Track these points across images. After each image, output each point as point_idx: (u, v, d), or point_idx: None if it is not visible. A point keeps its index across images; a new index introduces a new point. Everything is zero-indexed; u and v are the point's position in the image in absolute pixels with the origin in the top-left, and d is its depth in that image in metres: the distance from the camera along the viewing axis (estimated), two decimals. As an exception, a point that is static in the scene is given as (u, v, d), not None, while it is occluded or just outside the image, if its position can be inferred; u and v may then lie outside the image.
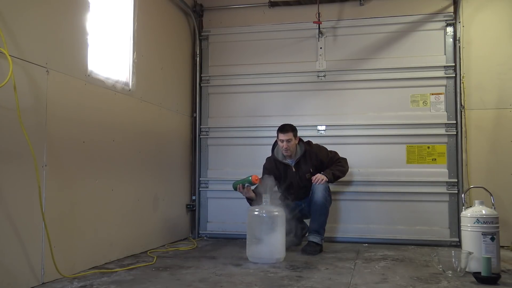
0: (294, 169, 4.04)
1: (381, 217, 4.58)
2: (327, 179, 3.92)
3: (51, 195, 2.76)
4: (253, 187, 3.88)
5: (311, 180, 3.95)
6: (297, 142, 4.03)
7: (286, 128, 3.95)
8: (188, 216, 4.94)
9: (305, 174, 4.01)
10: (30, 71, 2.65)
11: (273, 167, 4.06)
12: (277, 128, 4.03)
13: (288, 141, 3.93)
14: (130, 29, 3.81)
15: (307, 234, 4.04)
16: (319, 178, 3.90)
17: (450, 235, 4.43)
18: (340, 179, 4.15)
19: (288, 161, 4.06)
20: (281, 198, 4.22)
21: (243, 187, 3.83)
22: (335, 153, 4.17)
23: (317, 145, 4.17)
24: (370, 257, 3.70)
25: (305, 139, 4.16)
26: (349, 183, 4.61)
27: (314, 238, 3.86)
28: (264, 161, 4.17)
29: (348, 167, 4.16)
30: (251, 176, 3.79)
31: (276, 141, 4.12)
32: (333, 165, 4.07)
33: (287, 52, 4.90)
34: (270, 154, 4.18)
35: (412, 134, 4.59)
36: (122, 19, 3.74)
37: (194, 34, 5.08)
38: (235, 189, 3.89)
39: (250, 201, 3.90)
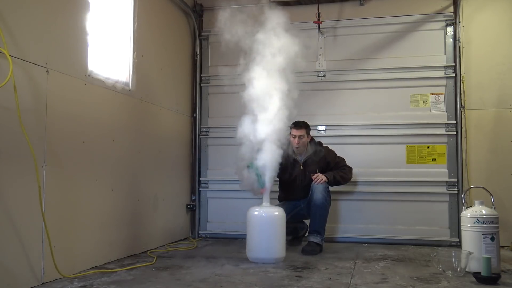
0: (301, 166, 4.06)
1: (381, 217, 4.58)
2: (327, 180, 3.93)
3: (51, 195, 2.76)
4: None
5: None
6: (309, 140, 4.10)
7: (300, 124, 4.02)
8: (188, 216, 4.94)
9: (310, 173, 4.02)
10: (30, 71, 2.65)
11: (285, 157, 3.97)
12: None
13: (300, 137, 3.99)
14: (130, 29, 3.81)
15: (307, 234, 4.05)
16: (319, 178, 3.91)
17: (450, 235, 4.44)
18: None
19: (297, 157, 4.08)
20: (280, 196, 4.22)
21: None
22: (343, 159, 4.19)
23: (326, 147, 4.20)
24: (370, 257, 3.70)
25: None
26: (349, 183, 4.57)
27: (314, 238, 3.86)
28: None
29: (351, 177, 4.17)
30: (262, 188, 3.60)
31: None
32: (337, 169, 4.09)
33: (287, 52, 4.90)
34: None
35: (412, 134, 4.59)
36: (122, 19, 3.74)
37: (194, 34, 5.07)
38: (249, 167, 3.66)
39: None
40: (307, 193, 4.02)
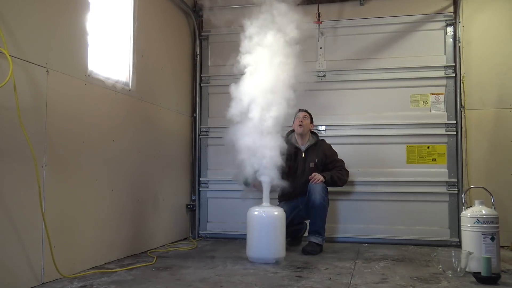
0: (303, 155, 4.10)
1: (381, 217, 4.58)
2: (323, 180, 3.94)
3: (51, 195, 2.76)
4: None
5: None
6: (311, 127, 4.21)
7: (305, 110, 4.20)
8: (188, 216, 4.94)
9: (310, 163, 4.07)
10: (30, 71, 2.65)
11: (287, 146, 3.98)
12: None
13: (304, 117, 4.12)
14: (130, 29, 3.81)
15: (306, 234, 4.05)
16: (316, 178, 3.92)
17: (450, 235, 4.44)
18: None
19: (299, 145, 4.13)
20: (283, 191, 4.20)
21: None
22: (342, 161, 4.19)
23: (329, 144, 4.25)
24: (370, 257, 3.70)
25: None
26: (349, 183, 4.58)
27: (315, 239, 3.87)
28: None
29: (347, 179, 4.14)
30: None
31: (288, 132, 4.23)
32: (335, 170, 4.09)
33: (286, 52, 4.90)
34: None
35: (412, 134, 4.59)
36: (122, 19, 3.74)
37: (194, 34, 5.08)
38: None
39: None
40: (306, 188, 4.02)
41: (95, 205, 3.25)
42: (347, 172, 4.16)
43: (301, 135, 4.14)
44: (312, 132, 4.27)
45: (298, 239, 4.32)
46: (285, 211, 3.71)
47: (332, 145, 4.29)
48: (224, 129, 4.80)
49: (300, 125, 4.10)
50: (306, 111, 4.20)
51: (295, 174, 4.09)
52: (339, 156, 4.21)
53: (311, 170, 4.03)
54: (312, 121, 4.23)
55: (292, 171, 4.06)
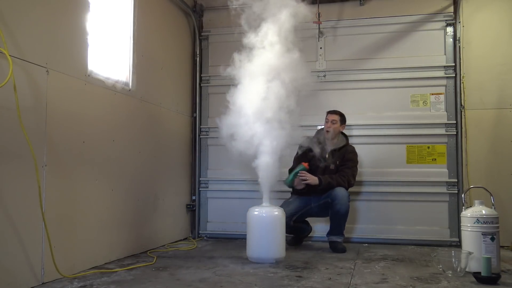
0: (326, 155, 4.13)
1: (381, 217, 4.58)
2: (314, 183, 3.94)
3: (51, 195, 2.76)
4: None
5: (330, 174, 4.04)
6: (341, 129, 4.23)
7: (335, 111, 4.23)
8: (188, 216, 4.94)
9: (331, 164, 4.11)
10: (30, 71, 2.65)
11: (310, 146, 4.04)
12: None
13: (332, 122, 4.15)
14: (130, 29, 3.81)
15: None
16: (303, 178, 3.96)
17: (450, 235, 4.44)
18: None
19: (326, 146, 4.16)
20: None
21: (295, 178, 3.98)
22: (354, 170, 4.13)
23: (355, 152, 4.21)
24: (370, 257, 3.70)
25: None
26: (349, 183, 4.61)
27: (338, 238, 4.00)
28: None
29: (345, 186, 4.03)
30: (301, 163, 3.98)
31: (319, 130, 4.31)
32: (339, 174, 4.05)
33: (287, 52, 4.90)
34: None
35: (412, 134, 4.59)
36: (122, 19, 3.74)
37: (194, 34, 5.08)
38: (291, 186, 4.02)
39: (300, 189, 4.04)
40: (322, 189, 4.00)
41: (95, 205, 3.25)
42: (349, 180, 4.06)
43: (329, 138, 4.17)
44: (343, 134, 4.28)
45: (300, 239, 4.33)
46: (296, 206, 3.72)
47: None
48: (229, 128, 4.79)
49: (327, 131, 4.14)
50: (335, 111, 4.20)
51: (315, 173, 4.05)
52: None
53: (331, 172, 4.07)
54: (344, 122, 4.23)
55: (312, 169, 4.06)
